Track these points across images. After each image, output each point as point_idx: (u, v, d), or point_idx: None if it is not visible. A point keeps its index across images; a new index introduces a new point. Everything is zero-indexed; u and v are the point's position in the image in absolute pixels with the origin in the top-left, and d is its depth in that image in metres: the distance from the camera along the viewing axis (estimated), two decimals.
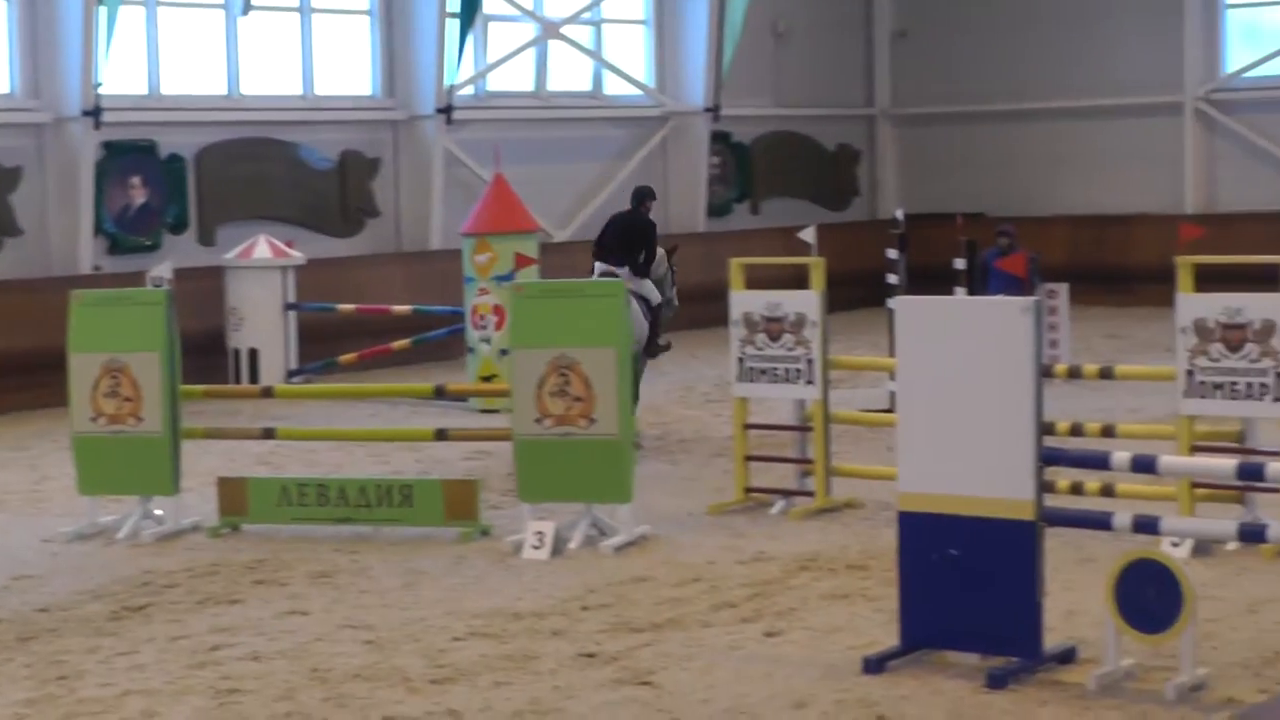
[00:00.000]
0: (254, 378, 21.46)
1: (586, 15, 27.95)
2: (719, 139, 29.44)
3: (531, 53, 27.27)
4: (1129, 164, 29.97)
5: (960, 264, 18.06)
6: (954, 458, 8.93)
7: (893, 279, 17.31)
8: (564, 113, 27.61)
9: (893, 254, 17.50)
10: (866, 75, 32.62)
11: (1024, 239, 22.41)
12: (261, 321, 21.81)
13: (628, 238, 16.90)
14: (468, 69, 25.79)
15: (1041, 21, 30.73)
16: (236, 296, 21.86)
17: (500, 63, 26.75)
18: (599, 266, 16.75)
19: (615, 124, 28.40)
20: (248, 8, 23.51)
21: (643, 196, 17.55)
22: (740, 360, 13.69)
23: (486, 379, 19.09)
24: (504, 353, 17.27)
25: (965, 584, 8.93)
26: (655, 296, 16.98)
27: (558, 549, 12.32)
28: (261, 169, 23.95)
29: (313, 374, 21.79)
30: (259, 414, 18.79)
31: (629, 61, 28.69)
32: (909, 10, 32.29)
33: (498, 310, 19.12)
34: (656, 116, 28.78)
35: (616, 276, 16.03)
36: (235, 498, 13.47)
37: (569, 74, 28.06)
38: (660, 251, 17.27)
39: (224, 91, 23.96)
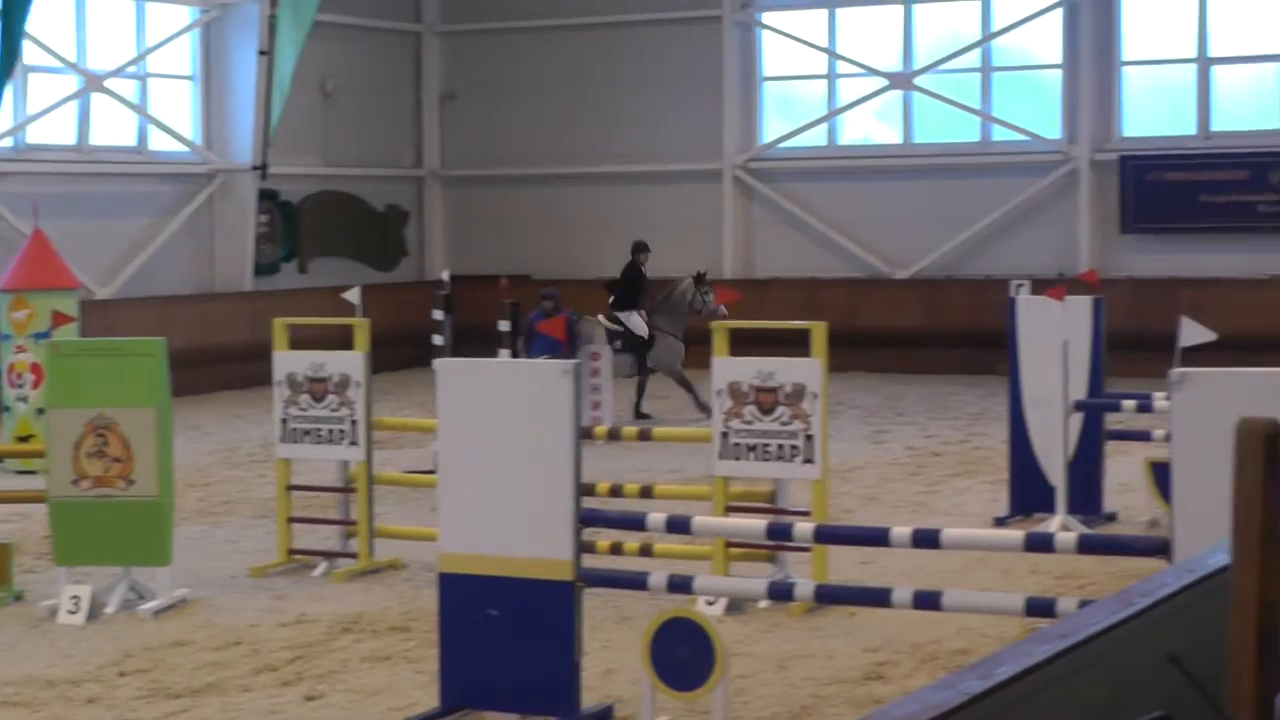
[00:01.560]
0: None
1: (131, 69, 27.50)
2: (267, 197, 29.21)
3: (74, 105, 26.71)
4: (672, 229, 30.67)
5: (505, 326, 18.24)
6: (494, 519, 9.02)
7: (439, 340, 17.41)
8: (107, 167, 27.08)
9: (439, 315, 17.61)
10: (415, 136, 32.77)
11: (568, 301, 22.76)
12: None
13: (620, 282, 22.63)
14: (6, 121, 25.14)
15: (589, 87, 31.31)
16: None
17: (40, 115, 26.14)
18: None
19: (161, 180, 27.96)
20: None
21: (633, 250, 23.05)
22: (284, 421, 13.62)
23: (23, 439, 18.60)
24: (40, 412, 16.85)
25: (505, 644, 9.02)
26: (640, 329, 21.96)
27: (94, 613, 12.05)
28: None
29: None
30: None
31: (175, 117, 28.30)
32: (458, 73, 32.57)
33: (35, 369, 18.65)
34: (203, 173, 28.44)
35: (618, 317, 21.96)
36: None
37: (113, 128, 27.55)
38: (684, 282, 22.39)
39: None
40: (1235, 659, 2.96)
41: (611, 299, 22.56)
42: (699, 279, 22.35)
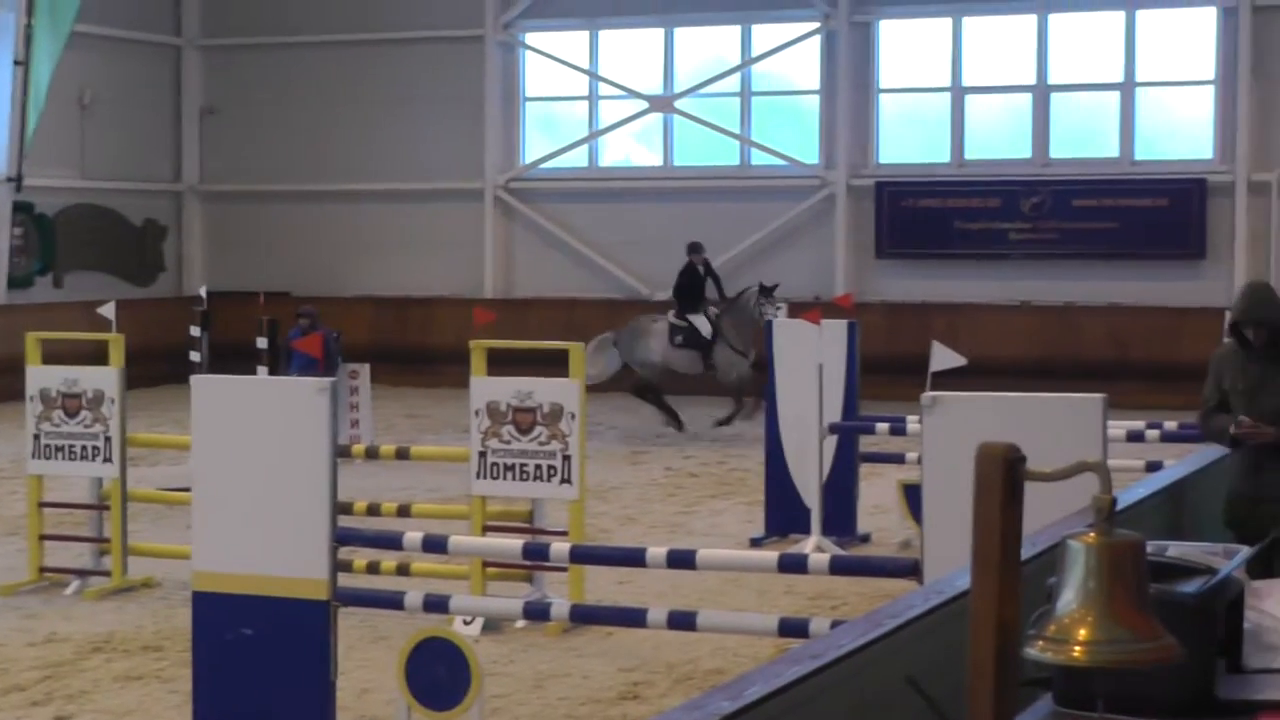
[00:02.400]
0: None
1: None
2: (21, 209, 28.65)
3: None
4: (432, 248, 30.65)
5: (262, 343, 18.12)
6: (249, 537, 8.94)
7: (195, 356, 17.23)
8: None
9: (196, 331, 17.43)
10: (175, 150, 32.37)
11: (328, 319, 22.64)
12: None
13: (679, 287, 23.16)
14: None
15: (351, 104, 31.14)
16: None
17: None
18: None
19: None
20: None
21: (688, 250, 23.36)
22: (36, 437, 13.39)
23: None
24: None
25: (259, 664, 8.94)
26: (704, 329, 22.35)
27: None
28: None
29: None
30: None
31: None
32: (218, 87, 32.22)
33: None
34: None
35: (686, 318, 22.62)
36: None
37: None
38: (750, 290, 22.53)
39: None
40: (973, 682, 3.04)
41: (675, 309, 23.17)
42: (764, 290, 22.57)
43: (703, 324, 22.64)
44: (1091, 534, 3.12)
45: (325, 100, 31.30)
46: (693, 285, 23.12)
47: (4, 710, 10.09)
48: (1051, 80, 27.73)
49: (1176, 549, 4.21)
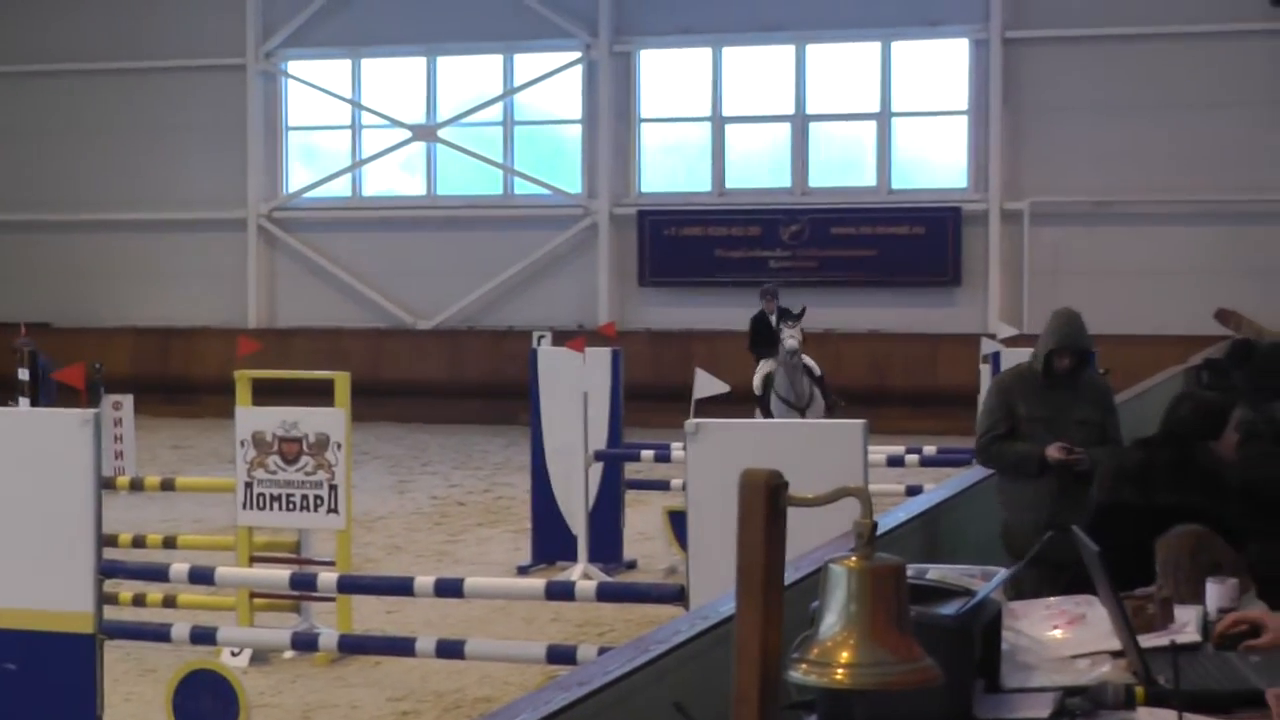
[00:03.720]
0: None
1: None
2: None
3: None
4: (194, 277, 30.32)
5: (24, 374, 17.79)
6: (12, 569, 8.83)
7: None
8: None
9: None
10: None
11: (89, 349, 22.28)
12: None
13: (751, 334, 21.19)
14: None
15: (111, 134, 30.70)
16: None
17: None
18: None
19: None
20: None
21: (760, 296, 21.43)
22: None
23: None
24: None
25: (24, 699, 8.82)
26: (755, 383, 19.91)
27: None
28: None
29: None
30: None
31: None
32: None
33: None
34: None
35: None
36: None
37: None
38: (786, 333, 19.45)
39: None
40: (736, 707, 3.11)
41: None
42: (784, 314, 20.17)
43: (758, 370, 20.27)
44: (853, 558, 3.20)
45: (85, 129, 30.83)
46: (759, 332, 20.69)
47: None
48: (810, 110, 28.15)
49: (936, 571, 4.33)
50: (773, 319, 20.44)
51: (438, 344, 29.13)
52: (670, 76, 28.89)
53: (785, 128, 28.35)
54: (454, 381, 28.47)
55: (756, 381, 19.71)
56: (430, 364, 28.83)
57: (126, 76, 30.62)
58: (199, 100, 30.28)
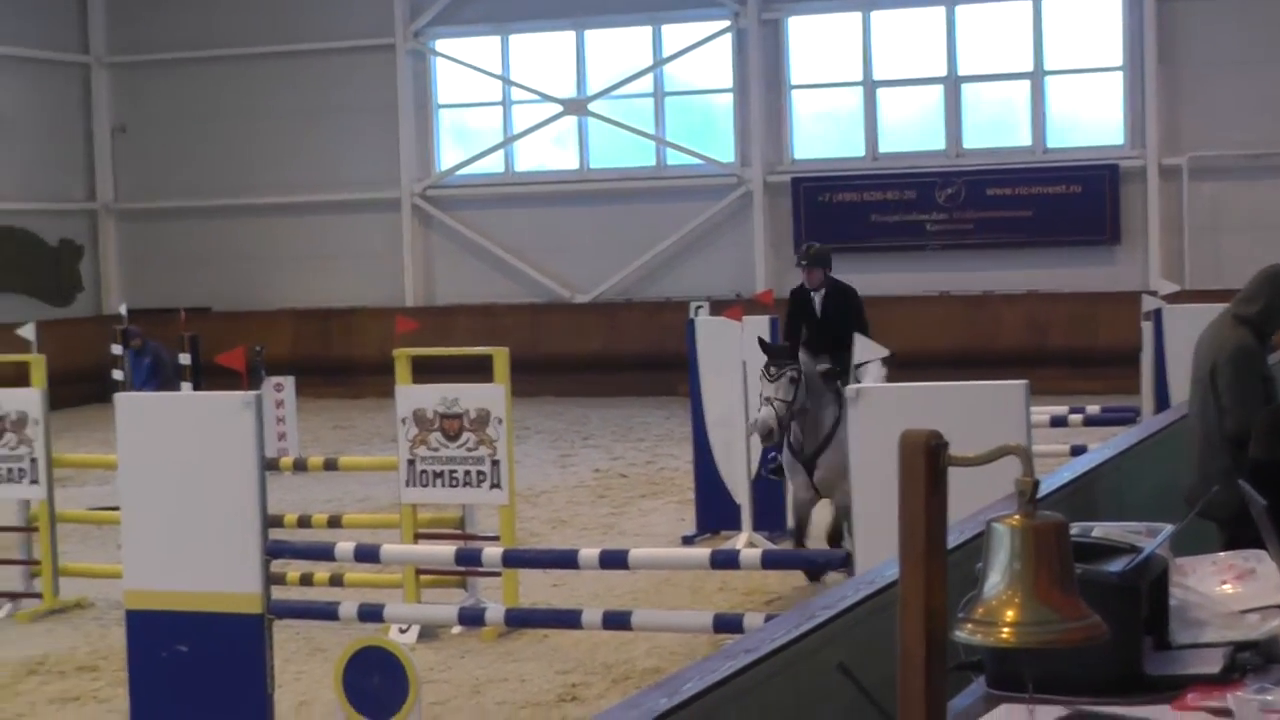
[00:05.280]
0: None
1: None
2: None
3: None
4: (351, 258, 30.58)
5: (185, 359, 18.04)
6: (180, 554, 8.95)
7: (118, 375, 17.16)
8: None
9: (117, 349, 17.35)
10: (88, 169, 32.18)
11: (250, 333, 22.51)
12: None
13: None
14: None
15: (264, 118, 31.03)
16: None
17: None
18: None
19: None
20: None
21: (798, 261, 14.53)
22: None
23: None
24: None
25: (196, 680, 8.95)
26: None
27: None
28: None
29: None
30: None
31: None
32: (128, 105, 32.05)
33: None
34: None
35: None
36: None
37: None
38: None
39: None
40: (903, 669, 3.09)
41: None
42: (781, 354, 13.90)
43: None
44: (1016, 517, 3.18)
45: (238, 114, 31.18)
46: (794, 319, 14.17)
47: None
48: (962, 71, 27.89)
49: (1101, 529, 4.28)
50: (816, 297, 14.10)
51: (595, 318, 29.18)
52: (820, 42, 28.73)
53: (937, 90, 28.11)
54: (612, 354, 28.51)
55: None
56: (588, 338, 28.89)
57: (279, 60, 30.91)
58: (350, 82, 30.52)
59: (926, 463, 3.07)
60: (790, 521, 13.30)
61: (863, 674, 3.57)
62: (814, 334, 13.29)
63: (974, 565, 3.37)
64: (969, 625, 3.14)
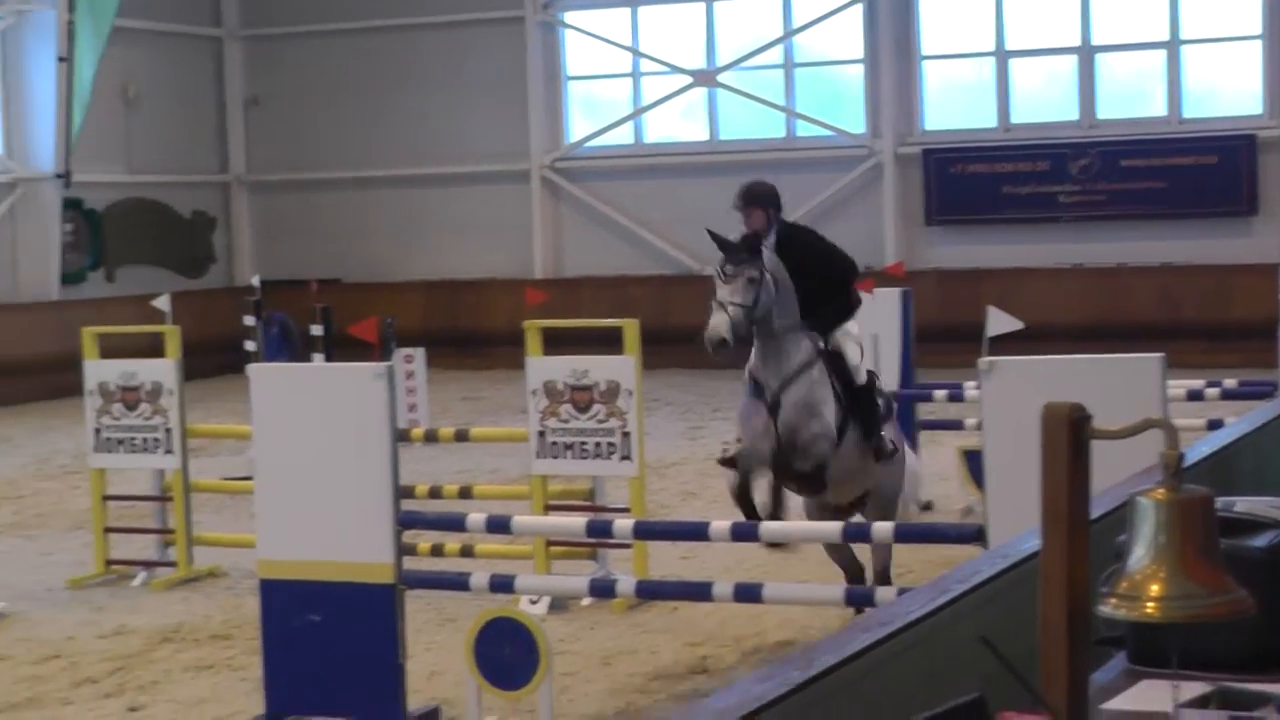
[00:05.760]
0: None
1: None
2: (71, 205, 28.83)
3: None
4: (481, 230, 30.70)
5: (317, 330, 18.17)
6: (313, 523, 9.01)
7: (250, 346, 17.30)
8: None
9: (250, 321, 17.50)
10: (220, 141, 32.49)
11: (379, 305, 22.65)
12: None
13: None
14: None
15: (394, 90, 31.20)
16: None
17: None
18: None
19: None
20: None
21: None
22: (97, 431, 13.49)
23: None
24: None
25: (328, 649, 9.01)
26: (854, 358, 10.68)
27: None
28: None
29: None
30: None
31: None
32: (260, 77, 32.33)
33: None
34: (4, 183, 28.01)
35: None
36: None
37: None
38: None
39: None
40: (1045, 642, 3.06)
41: None
42: (739, 247, 11.69)
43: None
44: (1160, 490, 3.13)
45: (368, 86, 31.37)
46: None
47: (77, 703, 10.18)
48: (1096, 40, 27.59)
49: (1244, 504, 4.21)
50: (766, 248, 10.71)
51: None
52: (951, 12, 28.51)
53: (1071, 59, 27.83)
54: None
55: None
56: None
57: (409, 33, 31.07)
58: (480, 54, 30.62)
59: (1069, 435, 3.03)
60: (733, 479, 10.08)
61: (999, 648, 3.52)
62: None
63: (1113, 539, 3.33)
64: (1113, 600, 3.10)
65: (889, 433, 10.55)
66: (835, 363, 10.36)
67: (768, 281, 10.28)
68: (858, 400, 10.38)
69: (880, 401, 10.65)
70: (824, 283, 10.63)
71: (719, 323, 10.20)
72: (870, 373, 10.81)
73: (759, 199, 11.05)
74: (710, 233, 10.69)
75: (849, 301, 10.88)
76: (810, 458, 10.05)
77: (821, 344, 10.35)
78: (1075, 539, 3.03)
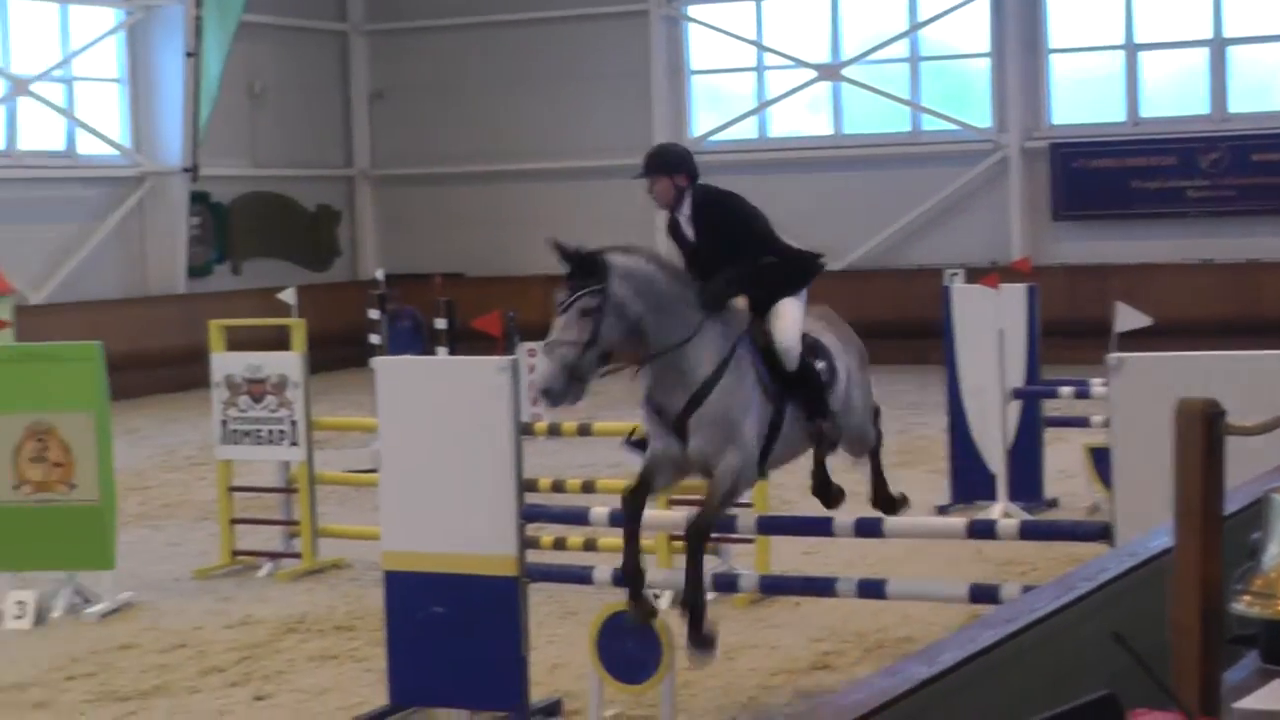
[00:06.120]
0: None
1: (58, 72, 27.36)
2: (198, 199, 29.11)
3: (0, 110, 26.56)
4: (603, 224, 30.63)
5: (441, 324, 18.24)
6: (437, 516, 9.03)
7: (375, 339, 17.39)
8: (36, 172, 26.94)
9: (374, 314, 17.59)
10: (345, 136, 32.71)
11: (502, 299, 22.68)
12: None
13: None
14: None
15: (517, 84, 31.30)
16: None
17: None
18: None
19: (90, 184, 27.82)
20: None
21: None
22: (223, 423, 13.60)
23: None
24: None
25: (451, 641, 9.03)
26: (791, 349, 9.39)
27: (40, 618, 12.04)
28: None
29: None
30: None
31: (103, 120, 28.16)
32: (385, 71, 32.52)
33: None
34: (133, 176, 28.32)
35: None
36: None
37: (40, 132, 27.39)
38: None
39: None
40: (1177, 640, 3.01)
41: None
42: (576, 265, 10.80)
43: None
44: None
45: (491, 81, 31.48)
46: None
47: (204, 691, 10.28)
48: (1228, 33, 27.27)
49: None
50: (683, 219, 9.99)
51: (845, 284, 28.97)
52: (1079, 4, 28.25)
53: (1202, 52, 27.51)
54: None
55: None
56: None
57: (533, 27, 31.15)
58: (604, 48, 30.66)
59: (1203, 432, 2.99)
60: (631, 481, 9.11)
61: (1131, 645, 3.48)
62: (697, 272, 9.26)
63: (1247, 536, 3.28)
64: (1246, 597, 3.06)
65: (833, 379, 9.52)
66: (765, 356, 9.04)
67: (614, 304, 8.51)
68: (795, 383, 9.18)
69: (822, 365, 9.53)
70: (751, 249, 9.58)
71: (543, 371, 8.59)
72: (812, 341, 9.55)
73: (664, 165, 9.75)
74: (555, 243, 8.89)
75: (787, 270, 9.78)
76: (723, 482, 8.76)
77: (744, 329, 9.01)
78: (1209, 536, 2.99)
